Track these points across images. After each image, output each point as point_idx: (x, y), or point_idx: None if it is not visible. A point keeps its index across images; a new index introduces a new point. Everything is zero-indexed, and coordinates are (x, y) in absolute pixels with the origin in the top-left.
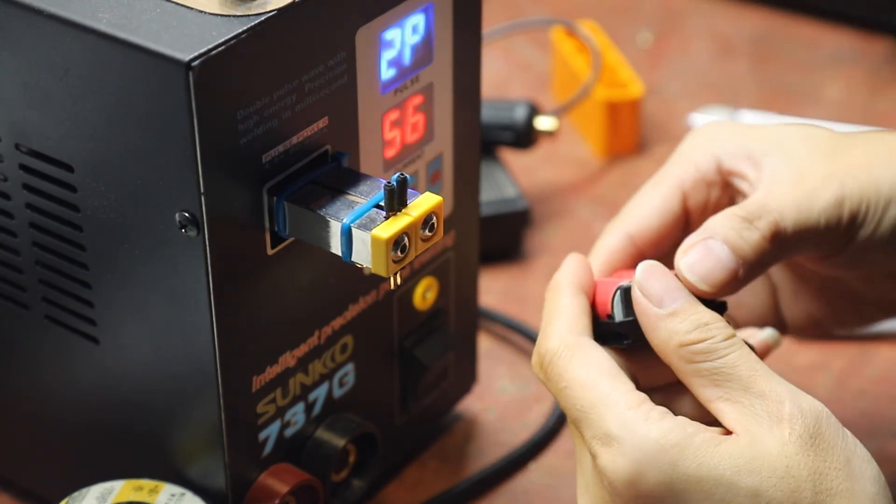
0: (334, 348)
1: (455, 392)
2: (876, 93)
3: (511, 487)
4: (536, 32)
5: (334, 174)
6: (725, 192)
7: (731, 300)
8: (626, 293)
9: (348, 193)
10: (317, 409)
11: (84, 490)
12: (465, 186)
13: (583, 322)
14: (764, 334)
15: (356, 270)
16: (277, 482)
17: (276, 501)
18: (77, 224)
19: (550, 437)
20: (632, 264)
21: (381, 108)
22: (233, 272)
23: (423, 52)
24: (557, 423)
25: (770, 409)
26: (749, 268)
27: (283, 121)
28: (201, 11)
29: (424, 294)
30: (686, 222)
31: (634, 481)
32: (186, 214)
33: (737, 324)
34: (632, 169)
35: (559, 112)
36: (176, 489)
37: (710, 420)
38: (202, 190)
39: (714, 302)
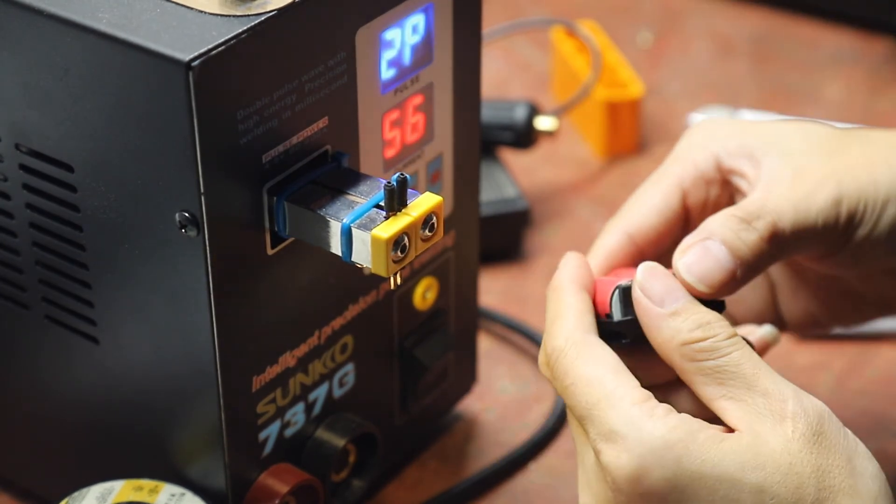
0: (334, 348)
1: (455, 392)
2: (876, 93)
3: (511, 487)
4: (536, 32)
5: (334, 174)
6: (725, 189)
7: (730, 297)
8: (625, 292)
9: (348, 193)
10: (317, 409)
11: (84, 490)
12: (465, 186)
13: (588, 320)
14: (762, 331)
15: (356, 270)
16: (277, 482)
17: (276, 501)
18: (77, 224)
19: (550, 437)
20: (631, 263)
21: (381, 108)
22: (233, 272)
23: (423, 52)
24: (557, 423)
25: (773, 407)
26: (747, 268)
27: (283, 121)
28: (201, 11)
29: (424, 294)
30: (686, 220)
31: (638, 478)
32: (186, 214)
33: (735, 321)
34: (632, 169)
35: (559, 112)
36: (176, 489)
37: (708, 418)
38: (202, 190)
39: (712, 301)
